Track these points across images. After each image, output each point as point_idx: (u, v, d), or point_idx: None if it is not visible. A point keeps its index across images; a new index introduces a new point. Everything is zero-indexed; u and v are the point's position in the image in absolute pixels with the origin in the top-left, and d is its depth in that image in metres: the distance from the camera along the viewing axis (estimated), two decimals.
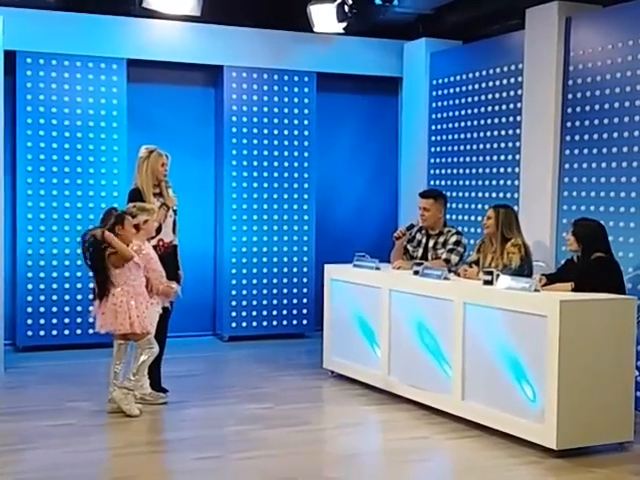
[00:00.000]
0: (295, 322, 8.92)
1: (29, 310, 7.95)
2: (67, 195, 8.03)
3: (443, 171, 8.63)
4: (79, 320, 8.02)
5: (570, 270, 5.80)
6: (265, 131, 8.73)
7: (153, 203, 6.11)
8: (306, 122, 8.88)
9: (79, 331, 8.05)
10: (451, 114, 8.52)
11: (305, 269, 8.93)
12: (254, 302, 8.75)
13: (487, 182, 8.03)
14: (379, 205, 9.44)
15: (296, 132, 8.85)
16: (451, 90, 8.53)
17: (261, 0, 8.52)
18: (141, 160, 6.23)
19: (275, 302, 8.83)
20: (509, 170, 7.75)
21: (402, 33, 8.94)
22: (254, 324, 8.76)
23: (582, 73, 6.98)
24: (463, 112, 8.36)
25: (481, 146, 8.11)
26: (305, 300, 8.93)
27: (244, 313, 8.71)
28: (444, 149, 8.63)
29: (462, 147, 8.37)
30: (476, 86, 8.20)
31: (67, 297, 8.05)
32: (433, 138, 8.79)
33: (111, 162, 8.16)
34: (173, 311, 6.30)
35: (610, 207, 6.66)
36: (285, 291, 8.86)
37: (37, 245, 7.95)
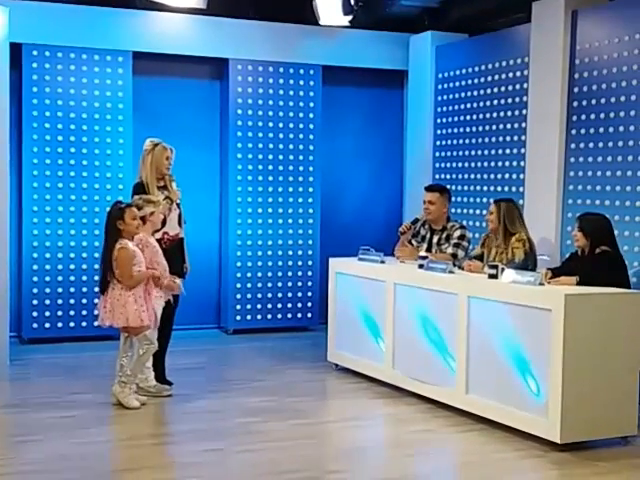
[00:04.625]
0: (300, 315, 8.93)
1: (34, 302, 7.97)
2: (72, 187, 8.04)
3: (448, 165, 8.62)
4: (84, 312, 8.04)
5: (575, 264, 5.79)
6: (270, 124, 8.73)
7: (158, 196, 6.12)
8: (311, 115, 8.88)
9: (84, 323, 8.06)
10: (456, 107, 8.51)
11: (310, 262, 8.93)
12: (259, 295, 8.75)
13: (492, 176, 8.01)
14: (384, 198, 9.44)
15: (301, 125, 8.84)
16: (457, 83, 8.51)
17: None
18: (145, 153, 6.24)
19: (280, 295, 8.83)
20: (514, 164, 7.73)
21: (408, 26, 8.92)
22: (259, 317, 8.77)
23: (588, 66, 6.95)
24: (468, 105, 8.34)
25: (486, 140, 8.10)
26: (310, 293, 8.94)
27: (249, 306, 8.72)
28: (449, 143, 8.61)
29: (467, 141, 8.36)
30: (482, 79, 8.18)
31: (72, 289, 8.06)
32: (438, 132, 8.78)
33: (116, 155, 8.16)
34: (178, 304, 6.31)
35: (616, 201, 6.65)
36: (290, 284, 8.87)
37: (42, 237, 7.96)
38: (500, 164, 7.92)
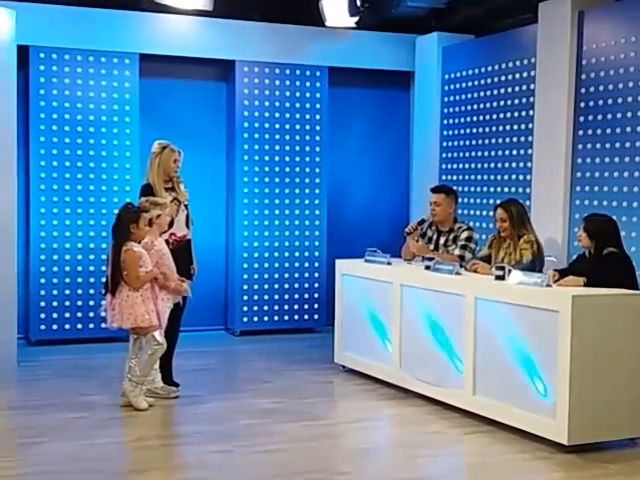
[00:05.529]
0: (306, 317, 8.94)
1: (42, 304, 7.99)
2: (80, 190, 8.06)
3: (455, 166, 8.62)
4: (92, 314, 8.05)
5: (582, 265, 5.78)
6: (277, 126, 8.74)
7: (165, 197, 6.12)
8: (318, 117, 8.88)
9: (92, 325, 8.08)
10: (463, 108, 8.50)
11: (316, 264, 8.94)
12: (265, 297, 8.76)
13: (499, 177, 8.01)
14: (390, 200, 9.44)
15: (308, 127, 8.85)
16: (463, 84, 8.51)
17: None
18: (153, 155, 6.25)
19: (286, 297, 8.84)
20: (521, 165, 7.73)
21: (414, 27, 8.91)
22: (265, 319, 8.77)
23: (595, 67, 6.94)
24: (475, 106, 8.34)
25: (493, 141, 8.09)
26: (316, 295, 8.94)
27: (255, 308, 8.73)
28: (456, 144, 8.61)
29: (474, 142, 8.35)
30: (488, 80, 8.17)
31: (80, 291, 8.08)
32: (445, 133, 8.77)
33: (123, 157, 8.18)
34: (186, 306, 6.32)
35: (623, 202, 6.64)
36: (296, 286, 8.87)
37: (50, 239, 7.99)
38: (507, 165, 7.91)
